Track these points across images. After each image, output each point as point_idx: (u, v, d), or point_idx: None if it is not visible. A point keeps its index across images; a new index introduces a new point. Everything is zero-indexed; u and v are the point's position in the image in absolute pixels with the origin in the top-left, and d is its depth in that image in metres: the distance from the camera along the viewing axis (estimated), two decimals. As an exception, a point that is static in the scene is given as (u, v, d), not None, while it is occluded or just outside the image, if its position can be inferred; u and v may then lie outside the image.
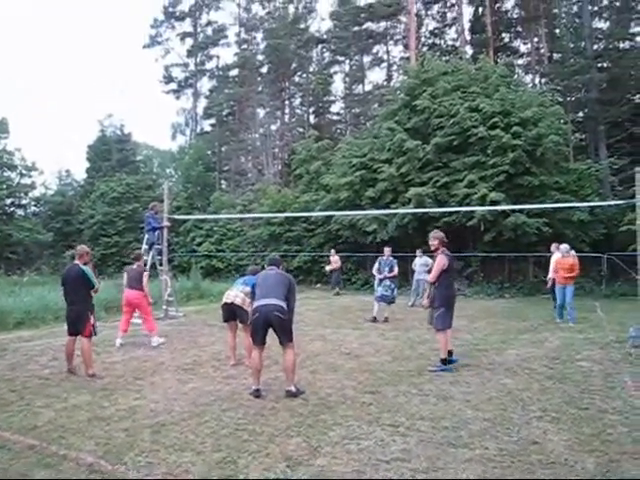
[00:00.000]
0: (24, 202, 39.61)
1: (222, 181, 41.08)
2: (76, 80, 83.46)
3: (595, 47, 27.02)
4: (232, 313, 7.68)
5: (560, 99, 25.87)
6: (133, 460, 4.24)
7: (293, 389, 6.06)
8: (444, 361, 7.27)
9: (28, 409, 5.61)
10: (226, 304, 7.67)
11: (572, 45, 27.96)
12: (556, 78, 27.77)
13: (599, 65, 26.65)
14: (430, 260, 15.47)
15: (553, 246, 13.18)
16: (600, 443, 4.47)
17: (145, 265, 11.28)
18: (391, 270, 12.33)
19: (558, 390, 6.15)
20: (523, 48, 36.24)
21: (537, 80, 33.11)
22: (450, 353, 7.37)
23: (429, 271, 11.08)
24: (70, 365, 7.30)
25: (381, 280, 12.44)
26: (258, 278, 6.45)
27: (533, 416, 5.22)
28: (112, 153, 40.52)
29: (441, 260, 7.36)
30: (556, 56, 31.18)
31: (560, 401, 5.71)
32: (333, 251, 20.92)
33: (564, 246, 11.87)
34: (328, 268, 20.91)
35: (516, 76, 26.67)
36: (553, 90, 25.71)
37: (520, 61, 35.03)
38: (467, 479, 3.83)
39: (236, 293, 7.62)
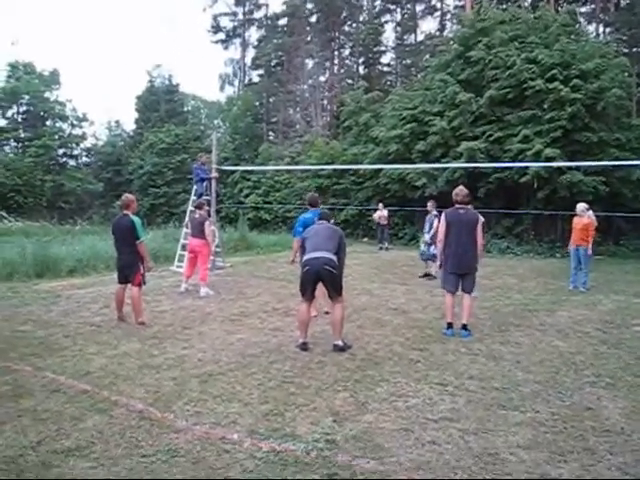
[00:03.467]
0: (75, 152, 40.71)
1: (270, 133, 40.96)
2: (125, 31, 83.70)
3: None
4: None
5: (626, 50, 24.49)
6: (181, 409, 4.31)
7: (340, 343, 6.05)
8: (448, 324, 6.88)
9: (81, 355, 5.77)
10: None
11: (643, -10, 26.18)
12: (622, 27, 26.26)
13: (671, 12, 24.94)
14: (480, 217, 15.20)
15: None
16: (659, 412, 4.30)
17: (209, 214, 11.42)
18: (430, 227, 11.99)
19: (613, 355, 5.95)
20: (588, -6, 34.20)
21: (601, 30, 31.28)
22: (449, 324, 6.85)
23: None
24: (120, 313, 7.47)
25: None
26: (310, 232, 6.37)
27: (586, 381, 5.06)
28: (160, 104, 40.83)
29: (441, 218, 7.07)
30: (623, 3, 29.32)
31: (615, 367, 5.51)
32: (381, 205, 20.35)
33: (580, 205, 11.07)
34: (376, 216, 20.19)
35: (578, 25, 25.21)
36: (618, 40, 24.35)
37: (583, 9, 32.97)
38: (518, 443, 3.74)
39: None
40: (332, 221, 6.62)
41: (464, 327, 6.79)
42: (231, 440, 3.76)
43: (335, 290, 6.09)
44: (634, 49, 25.92)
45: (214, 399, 4.52)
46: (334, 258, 6.03)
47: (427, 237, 12.00)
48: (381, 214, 19.84)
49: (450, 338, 6.60)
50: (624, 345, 6.39)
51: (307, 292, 6.13)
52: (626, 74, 20.45)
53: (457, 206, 6.86)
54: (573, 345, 6.37)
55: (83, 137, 40.42)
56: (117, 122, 43.67)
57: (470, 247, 6.73)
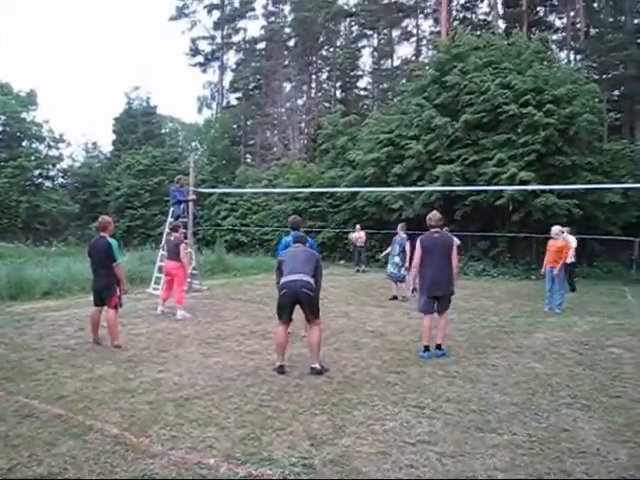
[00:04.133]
0: (52, 174, 40.30)
1: (247, 155, 41.07)
2: (103, 52, 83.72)
3: (635, 22, 26.10)
4: None
5: (596, 76, 25.15)
6: (157, 433, 4.23)
7: (318, 366, 6.02)
8: (424, 347, 6.90)
9: (55, 378, 5.65)
10: None
11: (611, 20, 27.11)
12: (592, 54, 26.99)
13: (639, 41, 25.74)
14: (456, 240, 15.36)
15: (565, 229, 12.74)
16: (633, 434, 4.32)
17: (185, 237, 11.40)
18: (402, 249, 12.05)
19: (588, 377, 6.00)
20: (558, 23, 35.36)
21: (572, 56, 32.18)
22: (426, 347, 6.86)
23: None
24: (95, 336, 7.35)
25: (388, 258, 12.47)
26: (286, 255, 6.36)
27: (562, 402, 5.10)
28: (138, 126, 40.72)
29: (416, 243, 7.06)
30: (593, 31, 30.30)
31: (590, 388, 5.56)
32: (358, 226, 20.42)
33: (555, 228, 11.26)
34: (352, 236, 20.23)
35: (550, 52, 25.88)
36: (589, 67, 24.94)
37: (555, 36, 34.07)
38: (495, 465, 3.74)
39: None
40: (308, 244, 6.64)
41: (438, 347, 6.90)
42: (207, 465, 3.70)
43: (312, 313, 6.08)
44: (604, 76, 26.66)
45: (190, 423, 4.45)
46: (311, 281, 6.04)
47: (397, 259, 12.07)
48: (358, 235, 19.89)
49: (427, 361, 6.61)
50: (599, 366, 6.45)
51: (284, 315, 6.11)
52: (597, 100, 20.94)
53: (432, 230, 6.95)
54: (549, 367, 6.42)
55: (60, 158, 40.04)
56: (94, 144, 43.42)
57: (446, 270, 6.82)
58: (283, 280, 6.09)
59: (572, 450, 4.00)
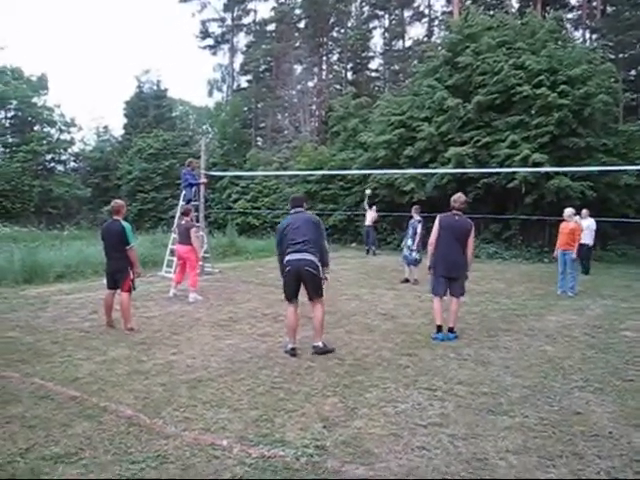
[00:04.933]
0: (64, 158, 40.48)
1: (258, 138, 40.93)
2: (113, 36, 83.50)
3: (654, -1, 25.58)
4: None
5: (612, 56, 24.71)
6: (171, 415, 4.29)
7: (320, 344, 6.11)
8: (437, 327, 6.94)
9: (69, 361, 5.72)
10: None
11: (629, -3, 26.49)
12: (609, 33, 26.52)
13: (657, 19, 25.26)
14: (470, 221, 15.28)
15: (583, 212, 12.69)
16: (646, 416, 4.33)
17: (197, 220, 11.47)
18: (414, 232, 12.02)
19: (601, 360, 5.99)
20: (574, 1, 34.48)
21: (588, 35, 31.64)
22: (439, 328, 6.89)
23: None
24: (109, 318, 7.43)
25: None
26: (287, 226, 6.20)
27: (575, 386, 5.09)
28: (149, 109, 40.67)
29: (435, 222, 7.07)
30: (609, 9, 29.68)
31: (603, 371, 5.55)
32: (374, 207, 20.10)
33: (567, 210, 11.15)
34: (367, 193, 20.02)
35: (565, 31, 25.43)
36: (605, 46, 24.51)
37: (570, 15, 33.35)
38: (507, 448, 3.75)
39: None
40: (305, 205, 6.50)
41: (450, 330, 6.89)
42: (220, 446, 3.75)
43: (315, 292, 6.10)
44: (620, 55, 26.20)
45: (203, 405, 4.50)
46: (315, 259, 6.02)
47: (410, 242, 12.04)
48: (370, 215, 19.74)
49: (439, 343, 6.62)
50: (612, 350, 6.43)
51: (291, 294, 6.13)
52: (612, 80, 20.57)
53: (453, 212, 6.95)
54: (561, 350, 6.41)
55: (71, 142, 40.15)
56: (105, 127, 43.41)
57: (460, 253, 6.84)
58: (287, 258, 6.07)
59: (584, 433, 4.00)
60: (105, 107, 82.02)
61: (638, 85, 26.67)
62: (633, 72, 27.66)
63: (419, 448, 3.74)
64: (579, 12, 32.81)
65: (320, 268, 6.10)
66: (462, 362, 5.82)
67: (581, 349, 6.44)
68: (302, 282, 6.07)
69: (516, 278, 13.37)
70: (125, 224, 7.27)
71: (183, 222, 9.99)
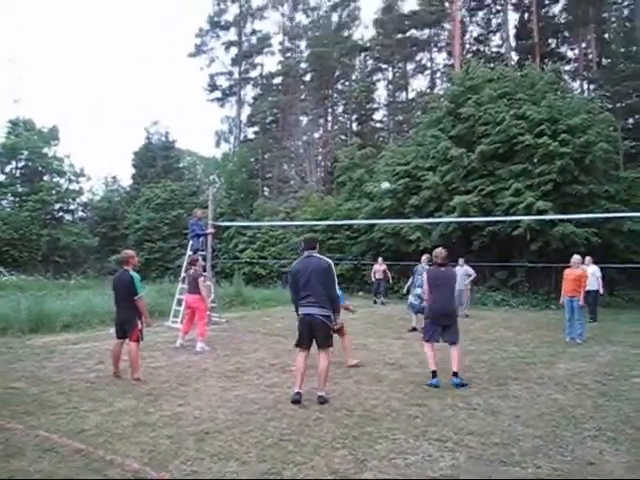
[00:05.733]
0: (72, 207, 40.97)
1: (265, 188, 41.47)
2: (124, 88, 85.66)
3: (647, 51, 26.29)
4: None
5: (609, 105, 25.21)
6: (178, 468, 4.24)
7: (325, 395, 6.14)
8: (432, 373, 7.06)
9: (75, 412, 5.68)
10: None
11: (622, 50, 27.29)
12: (605, 84, 27.13)
13: (651, 70, 25.87)
14: (472, 270, 15.33)
15: (587, 259, 12.66)
16: (661, 466, 4.26)
17: (204, 270, 11.55)
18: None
19: (613, 408, 5.91)
20: (570, 54, 35.64)
21: (585, 86, 32.41)
22: (434, 373, 7.02)
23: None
24: (116, 369, 7.40)
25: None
26: (297, 270, 6.39)
27: (587, 435, 5.02)
28: (157, 160, 41.42)
29: (423, 276, 7.71)
30: (605, 61, 30.48)
31: (615, 420, 5.47)
32: (380, 259, 19.98)
33: (574, 257, 11.21)
34: (375, 268, 19.73)
35: (563, 82, 26.05)
36: (602, 96, 25.09)
37: (567, 67, 34.30)
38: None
39: None
40: (317, 246, 6.57)
41: (455, 374, 6.99)
42: (229, 500, 3.70)
43: (325, 340, 6.21)
44: (617, 104, 26.70)
45: (211, 458, 4.45)
46: (326, 311, 6.18)
47: (419, 290, 12.05)
48: (378, 268, 19.52)
49: (448, 392, 6.55)
50: (623, 397, 6.36)
51: (304, 340, 6.27)
52: (612, 128, 20.94)
53: (438, 264, 7.47)
54: (572, 398, 6.33)
55: (80, 192, 40.77)
56: (114, 177, 44.27)
57: (451, 301, 7.36)
58: (300, 310, 6.27)
59: (599, 484, 3.94)
60: (114, 157, 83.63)
61: (636, 133, 27.06)
62: (631, 120, 28.13)
63: (431, 501, 3.69)
64: (576, 64, 33.74)
65: (332, 317, 6.26)
66: (472, 412, 5.76)
67: (592, 397, 6.37)
68: (313, 330, 6.19)
69: (524, 326, 13.28)
70: (134, 274, 7.35)
71: (191, 271, 10.08)
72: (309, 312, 6.17)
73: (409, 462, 4.36)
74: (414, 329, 12.11)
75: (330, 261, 6.41)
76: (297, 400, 6.03)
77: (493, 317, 14.73)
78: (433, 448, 4.67)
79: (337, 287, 6.46)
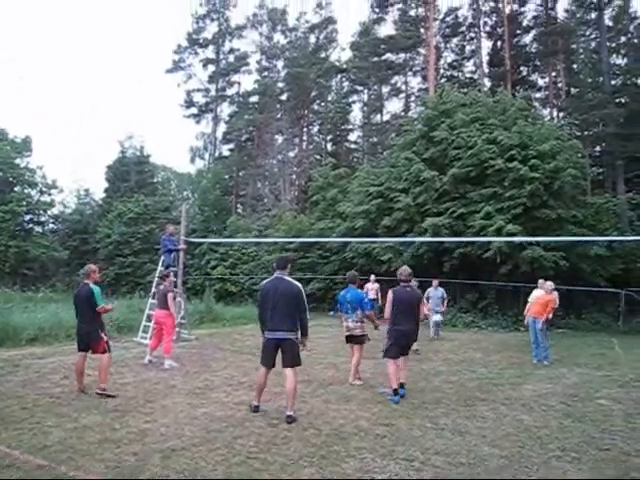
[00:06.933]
0: (42, 219, 40.09)
1: (239, 205, 41.41)
2: (99, 101, 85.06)
3: (613, 82, 27.27)
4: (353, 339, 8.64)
5: (578, 133, 25.97)
6: (143, 486, 4.18)
7: (293, 414, 6.15)
8: (394, 391, 7.25)
9: (38, 428, 5.57)
10: (349, 335, 8.69)
11: (590, 80, 28.17)
12: (574, 112, 27.89)
13: (617, 100, 26.81)
14: (445, 293, 15.41)
15: (540, 282, 12.69)
16: (623, 486, 4.34)
17: (175, 285, 11.43)
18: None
19: (577, 429, 6.00)
20: (541, 82, 36.66)
21: (555, 114, 33.32)
22: (395, 391, 7.23)
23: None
24: (81, 384, 7.31)
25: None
26: (266, 291, 6.41)
27: (552, 455, 5.09)
28: (131, 174, 41.01)
29: (388, 296, 7.57)
30: (574, 90, 31.42)
31: (580, 440, 5.56)
32: (373, 277, 18.26)
33: (549, 283, 11.42)
34: (367, 288, 17.53)
35: (534, 109, 26.73)
36: (571, 124, 25.77)
37: (538, 95, 35.32)
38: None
39: (354, 325, 8.54)
40: (289, 267, 6.65)
41: (402, 385, 7.39)
42: (193, 519, 3.65)
43: (293, 359, 6.29)
44: (585, 132, 27.47)
45: (177, 475, 4.40)
46: (296, 335, 6.33)
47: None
48: (371, 287, 17.77)
49: (416, 413, 6.58)
50: (588, 418, 6.46)
51: (267, 361, 6.39)
52: (580, 155, 21.49)
53: (402, 284, 7.52)
54: (538, 419, 6.41)
55: (51, 204, 39.96)
56: (86, 190, 43.54)
57: (414, 322, 7.48)
58: (266, 334, 6.36)
59: (561, 504, 3.99)
60: (87, 170, 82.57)
61: (604, 161, 27.89)
62: (598, 148, 28.96)
63: (396, 520, 3.69)
64: (546, 92, 34.68)
65: (299, 338, 6.36)
66: (439, 432, 5.79)
67: (557, 418, 6.46)
68: (281, 351, 6.27)
69: (492, 347, 13.42)
70: (94, 287, 7.37)
71: (162, 287, 10.02)
72: (277, 337, 6.24)
73: (376, 481, 4.36)
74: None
75: (300, 286, 6.44)
76: (256, 411, 6.31)
77: (462, 338, 14.86)
78: (400, 467, 4.69)
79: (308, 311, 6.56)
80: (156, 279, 13.26)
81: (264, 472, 4.50)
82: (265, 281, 6.68)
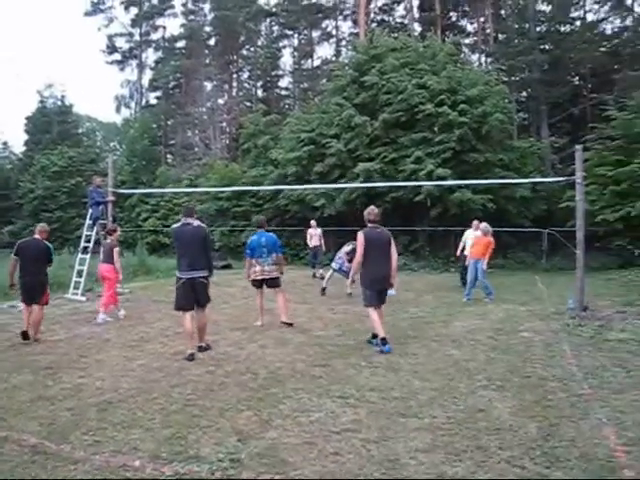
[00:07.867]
0: (-43, 175, 37.82)
1: (168, 155, 40.31)
2: (13, 47, 79.51)
3: (538, 29, 27.71)
4: (264, 282, 8.73)
5: (505, 79, 26.43)
6: (79, 439, 4.15)
7: (204, 345, 6.93)
8: (374, 335, 7.06)
9: (-35, 390, 5.39)
10: (264, 279, 8.68)
11: (516, 26, 28.59)
12: (501, 58, 28.39)
13: (542, 47, 27.41)
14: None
15: (474, 223, 13.03)
16: (541, 409, 4.64)
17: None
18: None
19: (502, 360, 6.33)
20: (470, 27, 36.87)
21: (483, 59, 33.70)
22: (384, 340, 6.79)
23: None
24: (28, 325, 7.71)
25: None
26: (177, 236, 6.87)
27: (479, 385, 5.37)
28: (53, 125, 38.98)
29: (358, 237, 7.03)
30: (501, 36, 31.82)
31: (504, 370, 5.88)
32: (313, 222, 17.24)
33: (484, 224, 11.81)
34: (309, 234, 17.02)
35: (463, 55, 27.02)
36: (498, 69, 26.20)
37: (467, 40, 35.49)
38: (417, 447, 3.91)
39: (270, 268, 8.59)
40: (196, 216, 7.04)
41: (374, 336, 7.11)
42: (132, 467, 3.67)
43: (205, 299, 6.88)
44: (512, 78, 28.04)
45: (114, 427, 4.38)
46: (206, 273, 6.83)
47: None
48: (313, 232, 16.88)
49: (351, 352, 6.76)
50: (512, 350, 6.82)
51: (187, 305, 6.76)
52: (506, 100, 21.97)
53: (371, 225, 7.07)
54: (466, 353, 6.72)
55: (-34, 159, 37.83)
56: (5, 144, 41.24)
57: (388, 265, 6.99)
58: (180, 275, 6.76)
59: (488, 428, 4.24)
60: (4, 123, 77.74)
61: (529, 106, 28.67)
62: (524, 93, 29.67)
63: (333, 454, 3.82)
64: (475, 38, 34.93)
65: (209, 278, 6.93)
66: (374, 370, 5.98)
67: (485, 351, 6.79)
68: (195, 292, 6.72)
69: (424, 288, 13.85)
70: (49, 244, 8.05)
71: (108, 241, 9.94)
72: (191, 276, 6.66)
73: (312, 419, 4.49)
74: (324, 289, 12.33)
75: (206, 228, 7.07)
76: (191, 358, 6.44)
77: (396, 280, 15.22)
78: (336, 405, 4.83)
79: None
80: (85, 232, 12.91)
81: (202, 418, 4.54)
82: (174, 226, 7.12)
